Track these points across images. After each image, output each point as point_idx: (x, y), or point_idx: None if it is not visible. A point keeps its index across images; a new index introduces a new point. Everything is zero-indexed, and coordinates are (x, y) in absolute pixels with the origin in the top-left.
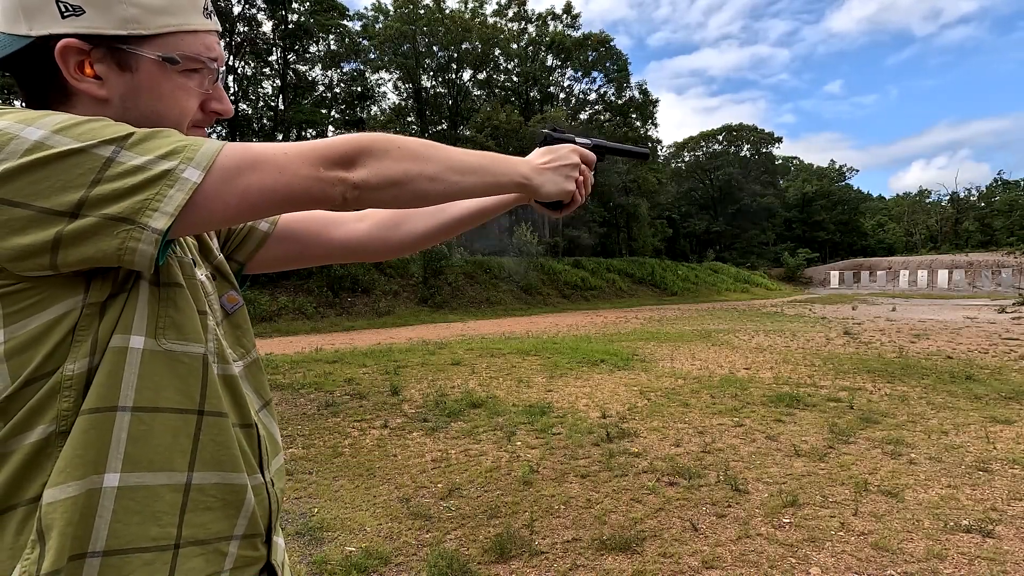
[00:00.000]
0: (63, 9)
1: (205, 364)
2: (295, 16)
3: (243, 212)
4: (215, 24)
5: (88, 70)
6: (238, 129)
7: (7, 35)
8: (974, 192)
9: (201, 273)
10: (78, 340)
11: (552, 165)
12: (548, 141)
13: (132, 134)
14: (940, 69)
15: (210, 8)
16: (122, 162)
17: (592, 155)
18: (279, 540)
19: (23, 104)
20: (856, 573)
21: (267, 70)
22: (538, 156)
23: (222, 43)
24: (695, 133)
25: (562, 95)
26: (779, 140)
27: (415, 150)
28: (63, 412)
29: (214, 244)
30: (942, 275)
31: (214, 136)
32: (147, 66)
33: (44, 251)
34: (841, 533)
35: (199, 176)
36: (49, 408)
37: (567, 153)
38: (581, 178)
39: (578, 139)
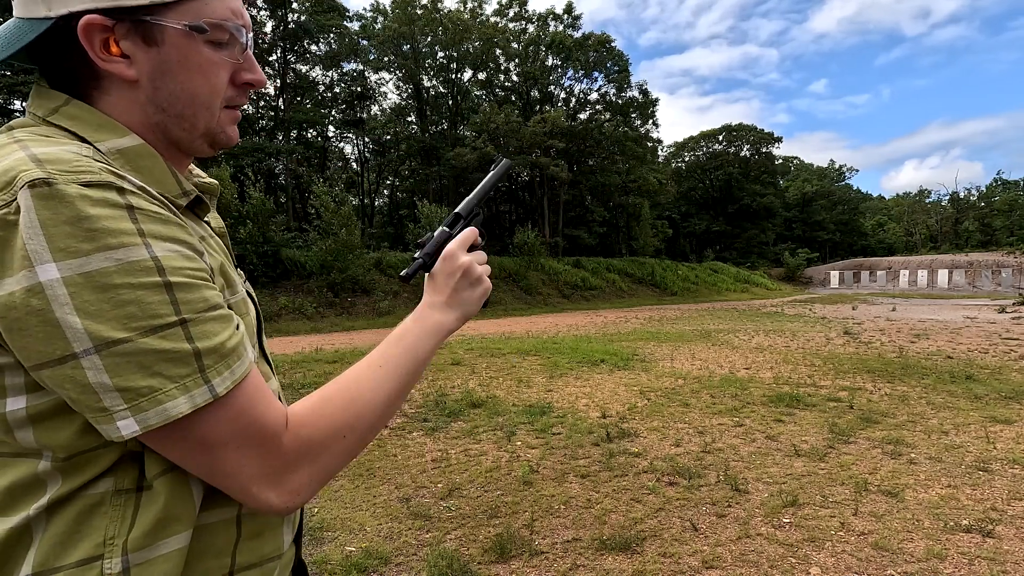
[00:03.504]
0: None
1: None
2: (295, 16)
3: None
4: None
5: (114, 48)
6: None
7: (26, 21)
8: (974, 192)
9: (242, 280)
10: None
11: (452, 290)
12: (426, 264)
13: (124, 342)
14: (931, 69)
15: None
16: (84, 367)
17: (470, 234)
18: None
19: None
20: (856, 573)
21: (268, 70)
22: (438, 290)
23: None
24: (688, 132)
25: (562, 95)
26: (779, 140)
27: (353, 426)
28: (123, 471)
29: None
30: (942, 275)
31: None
32: (173, 38)
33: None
34: (841, 533)
35: (131, 432)
36: (112, 470)
37: (450, 266)
38: (486, 268)
39: (443, 227)
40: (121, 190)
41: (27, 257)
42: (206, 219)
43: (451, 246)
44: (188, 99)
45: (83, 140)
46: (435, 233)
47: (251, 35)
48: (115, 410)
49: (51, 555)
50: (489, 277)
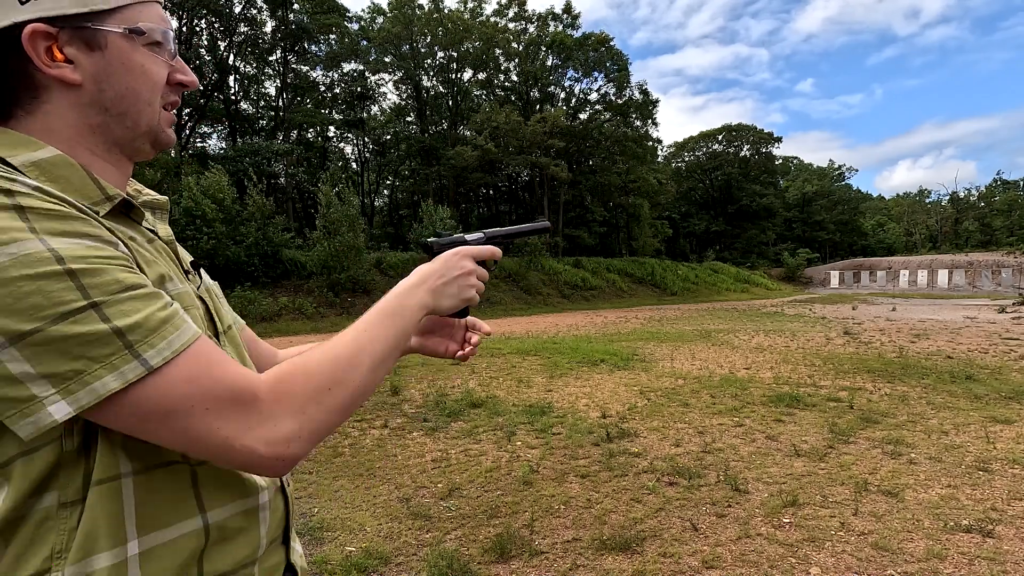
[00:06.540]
0: None
1: None
2: (295, 16)
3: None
4: None
5: (58, 55)
6: (238, 129)
7: None
8: (973, 192)
9: (194, 287)
10: None
11: (445, 280)
12: (436, 250)
13: (34, 333)
14: (924, 69)
15: None
16: (1, 360)
17: (488, 250)
18: (296, 545)
19: None
20: (856, 573)
21: (268, 70)
22: (428, 274)
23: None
24: (683, 132)
25: (562, 95)
26: (778, 140)
27: (344, 379)
28: (64, 482)
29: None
30: (942, 275)
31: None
32: (115, 41)
33: None
34: (841, 533)
35: (65, 414)
36: (54, 479)
37: (457, 261)
38: (479, 284)
39: (468, 237)
40: (9, 192)
41: None
42: (152, 228)
43: (466, 248)
44: (132, 98)
45: None
46: (459, 235)
47: (176, 40)
48: (44, 396)
49: (8, 569)
50: (480, 295)
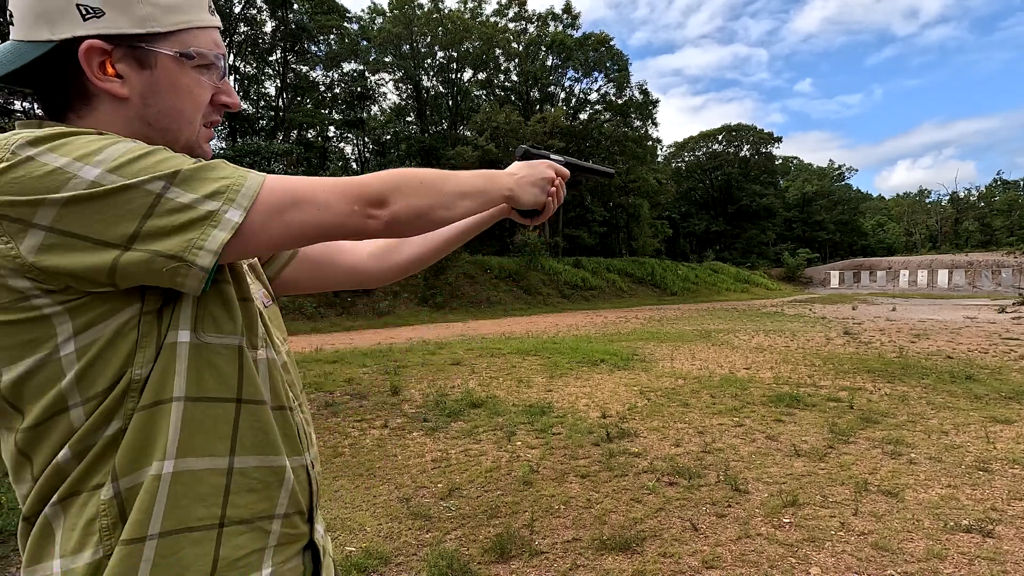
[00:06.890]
0: (84, 12)
1: (241, 354)
2: (294, 16)
3: (285, 243)
4: (219, 21)
5: (110, 69)
6: (238, 129)
7: (27, 43)
8: (973, 192)
9: (245, 263)
10: (143, 346)
11: (530, 178)
12: (526, 156)
13: (179, 172)
14: (923, 69)
15: (212, 6)
16: (171, 198)
17: (565, 170)
18: (320, 527)
19: (41, 112)
20: (856, 573)
21: (268, 70)
22: (517, 169)
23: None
24: (682, 132)
25: (562, 95)
26: (778, 140)
27: (434, 181)
28: (128, 411)
29: None
30: (942, 275)
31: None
32: (165, 62)
33: (102, 272)
34: (841, 533)
35: (240, 216)
36: (121, 406)
37: (543, 168)
38: (554, 190)
39: (552, 156)
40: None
41: (63, 170)
42: None
43: (548, 162)
44: (175, 115)
45: None
46: (544, 151)
47: (227, 63)
48: (218, 208)
49: (76, 481)
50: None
